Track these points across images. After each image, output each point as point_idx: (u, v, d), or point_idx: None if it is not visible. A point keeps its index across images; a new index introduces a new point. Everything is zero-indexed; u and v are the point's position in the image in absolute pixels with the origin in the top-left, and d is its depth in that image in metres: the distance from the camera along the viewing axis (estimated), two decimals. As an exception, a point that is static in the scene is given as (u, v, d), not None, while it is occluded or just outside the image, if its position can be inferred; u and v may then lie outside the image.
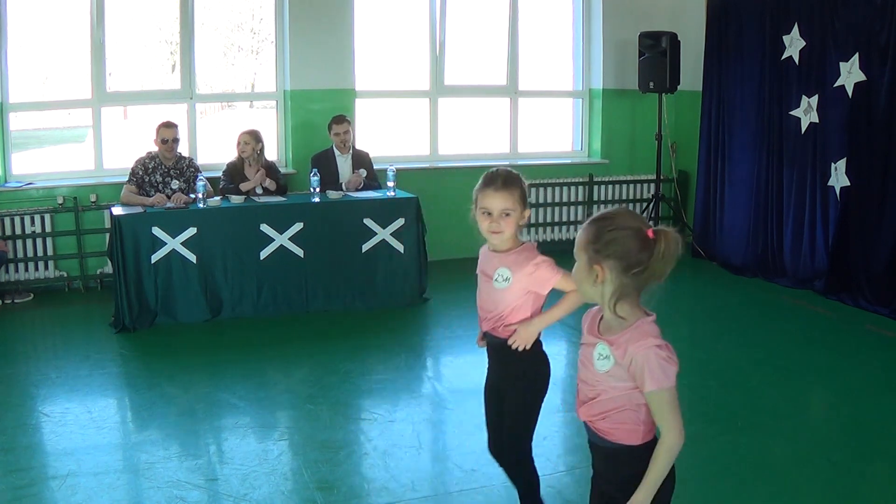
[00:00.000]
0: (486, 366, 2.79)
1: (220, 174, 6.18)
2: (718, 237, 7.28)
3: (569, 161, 7.94)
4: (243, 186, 6.00)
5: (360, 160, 6.45)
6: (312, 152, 6.49)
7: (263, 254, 5.69)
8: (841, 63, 5.91)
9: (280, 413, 4.20)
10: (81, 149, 6.98)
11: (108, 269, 5.96)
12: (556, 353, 4.77)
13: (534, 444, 2.80)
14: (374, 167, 6.53)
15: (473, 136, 8.26)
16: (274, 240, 5.72)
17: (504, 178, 2.57)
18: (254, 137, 6.07)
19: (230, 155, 6.21)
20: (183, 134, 6.71)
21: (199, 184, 5.65)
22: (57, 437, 3.82)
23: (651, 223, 1.97)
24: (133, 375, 4.72)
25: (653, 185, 7.70)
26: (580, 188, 7.75)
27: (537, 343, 2.65)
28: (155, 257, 5.45)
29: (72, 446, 3.72)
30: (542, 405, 2.72)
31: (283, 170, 6.66)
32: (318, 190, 5.95)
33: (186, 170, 5.97)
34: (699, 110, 7.44)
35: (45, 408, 4.17)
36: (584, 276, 1.97)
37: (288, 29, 6.82)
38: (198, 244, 5.55)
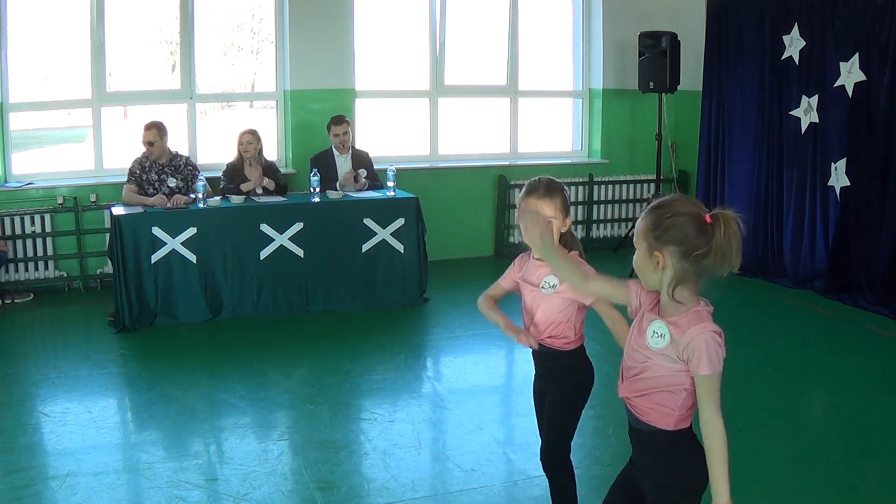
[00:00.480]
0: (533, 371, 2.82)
1: (218, 174, 6.18)
2: (718, 237, 7.27)
3: (569, 161, 7.94)
4: (244, 187, 6.00)
5: (360, 160, 6.44)
6: (312, 152, 6.49)
7: (263, 254, 5.69)
8: (841, 63, 5.91)
9: (280, 413, 4.20)
10: (81, 149, 6.98)
11: (108, 269, 5.96)
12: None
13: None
14: (374, 167, 6.53)
15: (473, 136, 8.26)
16: (274, 240, 5.72)
17: (546, 186, 2.59)
18: (255, 137, 6.09)
19: (230, 155, 6.21)
20: (183, 134, 6.72)
21: (199, 184, 5.65)
22: (57, 437, 3.82)
23: (709, 208, 2.01)
24: (133, 375, 4.72)
25: (653, 185, 7.70)
26: (580, 188, 7.75)
27: (580, 348, 2.69)
28: (155, 257, 5.45)
29: (72, 446, 3.72)
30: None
31: (283, 170, 6.66)
32: (318, 190, 5.95)
33: (184, 168, 5.96)
34: (699, 110, 7.44)
35: (45, 408, 4.17)
36: (646, 262, 2.02)
37: (288, 29, 6.82)
38: (198, 244, 5.55)
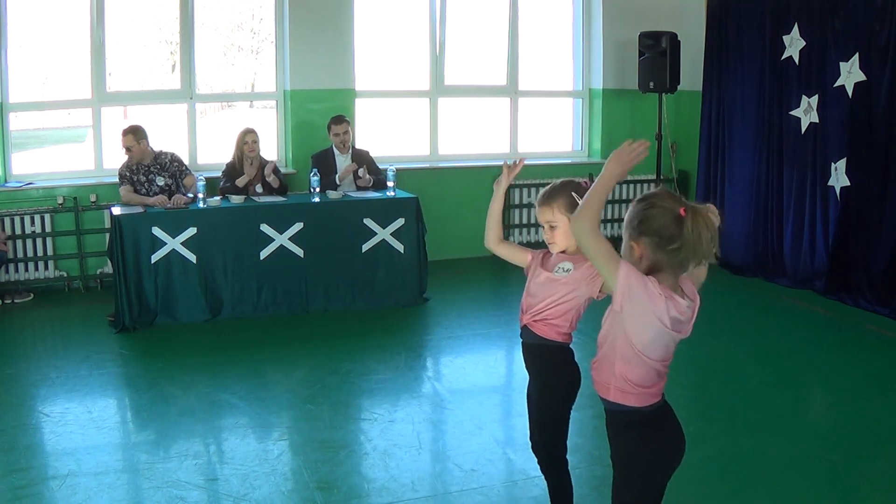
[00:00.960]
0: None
1: (218, 174, 6.19)
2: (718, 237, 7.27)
3: (569, 161, 7.94)
4: (240, 181, 6.01)
5: (361, 159, 6.45)
6: (312, 152, 6.50)
7: (263, 254, 5.69)
8: (841, 63, 5.91)
9: (280, 413, 4.20)
10: (81, 149, 6.99)
11: (108, 269, 5.96)
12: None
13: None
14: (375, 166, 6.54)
15: (473, 136, 8.26)
16: (274, 240, 5.72)
17: (546, 193, 2.66)
18: (257, 135, 6.10)
19: (229, 155, 6.21)
20: (183, 134, 6.72)
21: (199, 184, 5.65)
22: (57, 437, 3.82)
23: (688, 201, 2.06)
24: (133, 375, 4.72)
25: (653, 185, 7.70)
26: (580, 188, 7.74)
27: (566, 348, 2.70)
28: (155, 257, 5.45)
29: (72, 446, 3.72)
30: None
31: (283, 170, 6.66)
32: (318, 190, 5.96)
33: (170, 165, 5.95)
34: (699, 110, 7.44)
35: (45, 408, 4.17)
36: (628, 253, 2.09)
37: (288, 29, 6.82)
38: (198, 244, 5.55)
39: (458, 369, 4.93)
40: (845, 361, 4.91)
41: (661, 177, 7.52)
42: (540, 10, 7.84)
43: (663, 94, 7.28)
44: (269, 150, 6.71)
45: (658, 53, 7.19)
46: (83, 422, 3.99)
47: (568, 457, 2.78)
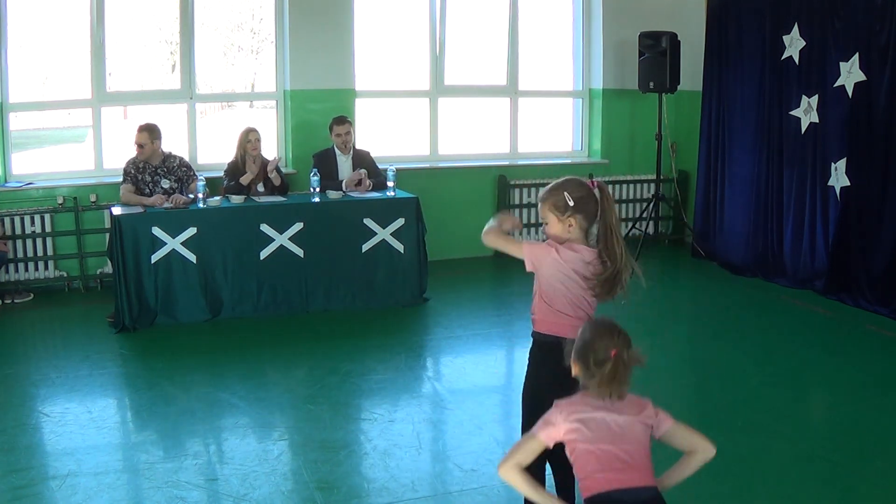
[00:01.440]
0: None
1: (218, 174, 6.19)
2: (718, 237, 7.28)
3: (569, 161, 7.94)
4: (244, 179, 6.01)
5: (361, 160, 6.45)
6: (312, 152, 6.50)
7: (263, 254, 5.70)
8: (841, 63, 5.91)
9: (280, 413, 4.20)
10: (81, 149, 6.98)
11: (108, 269, 5.96)
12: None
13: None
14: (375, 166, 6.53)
15: (473, 136, 8.26)
16: (274, 240, 5.72)
17: (544, 191, 2.74)
18: (259, 134, 6.11)
19: (230, 155, 6.21)
20: (183, 134, 6.72)
21: (199, 184, 5.65)
22: (57, 437, 3.82)
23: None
24: (133, 375, 4.72)
25: (653, 185, 7.70)
26: (580, 188, 7.73)
27: (553, 342, 2.68)
28: (155, 257, 5.45)
29: (72, 446, 3.72)
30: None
31: (283, 169, 6.65)
32: (318, 190, 5.96)
33: (177, 169, 5.96)
34: (699, 110, 7.44)
35: (45, 408, 4.17)
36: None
37: (288, 29, 6.82)
38: (198, 244, 5.55)
39: (458, 369, 4.93)
40: (845, 361, 4.91)
41: (661, 177, 7.52)
42: (540, 10, 7.84)
43: (663, 94, 7.28)
44: (270, 150, 6.71)
45: (658, 53, 7.19)
46: (83, 422, 3.99)
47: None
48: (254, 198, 5.97)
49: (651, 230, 7.39)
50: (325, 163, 6.30)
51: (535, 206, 7.44)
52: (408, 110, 7.85)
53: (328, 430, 3.91)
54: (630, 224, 7.73)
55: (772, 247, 6.73)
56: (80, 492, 3.28)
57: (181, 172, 5.96)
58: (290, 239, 5.75)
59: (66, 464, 3.53)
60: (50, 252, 6.29)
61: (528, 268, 2.74)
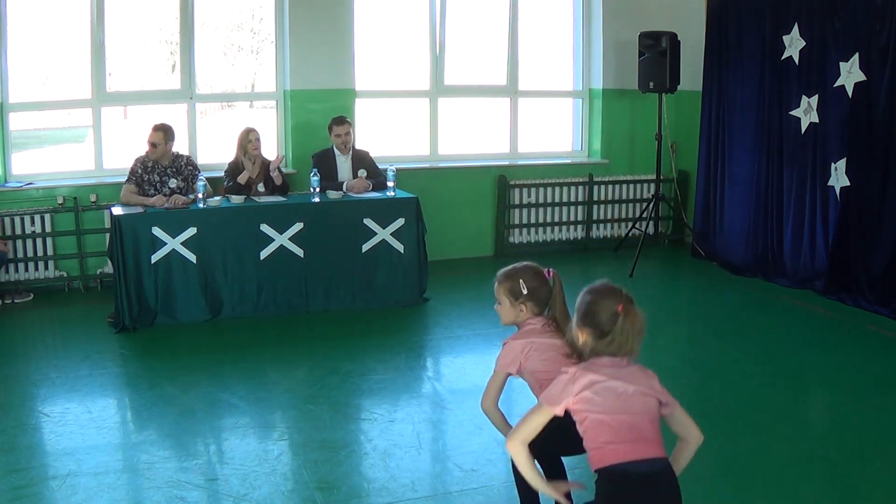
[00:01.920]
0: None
1: (218, 174, 6.19)
2: (718, 237, 7.28)
3: (569, 161, 7.95)
4: (241, 178, 6.01)
5: (361, 160, 6.45)
6: (312, 152, 6.50)
7: (263, 254, 5.70)
8: (841, 63, 5.91)
9: (280, 413, 4.20)
10: (81, 149, 6.98)
11: (108, 269, 5.96)
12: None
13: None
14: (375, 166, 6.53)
15: (473, 136, 8.26)
16: (274, 240, 5.72)
17: (501, 273, 2.82)
18: (258, 134, 6.12)
19: (230, 155, 6.21)
20: (183, 134, 6.72)
21: (199, 184, 5.65)
22: (57, 437, 3.82)
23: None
24: (133, 375, 4.72)
25: (653, 185, 7.69)
26: (580, 188, 7.76)
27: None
28: (155, 257, 5.45)
29: (72, 446, 3.72)
30: None
31: (283, 169, 6.65)
32: (318, 190, 5.96)
33: (184, 168, 5.97)
34: (699, 110, 7.44)
35: (45, 408, 4.17)
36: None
37: (288, 29, 6.82)
38: (198, 244, 5.55)
39: (458, 369, 4.93)
40: (845, 361, 4.91)
41: (661, 177, 7.52)
42: (540, 10, 7.84)
43: (663, 94, 7.27)
44: (270, 150, 6.71)
45: (658, 53, 7.19)
46: (83, 422, 3.99)
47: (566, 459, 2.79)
48: (254, 198, 5.97)
49: (651, 230, 7.39)
50: (325, 163, 6.30)
51: (536, 206, 7.54)
52: (408, 110, 7.85)
53: (328, 430, 3.91)
54: (630, 224, 7.73)
55: (772, 247, 6.73)
56: (80, 492, 3.28)
57: (188, 171, 5.97)
58: (290, 239, 5.75)
59: (66, 464, 3.53)
60: (50, 252, 6.29)
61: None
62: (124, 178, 5.91)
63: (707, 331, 5.68)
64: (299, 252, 5.77)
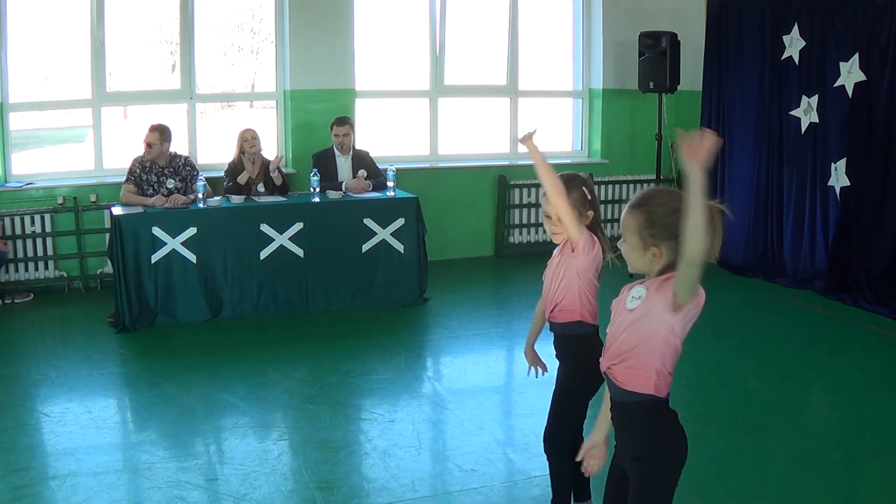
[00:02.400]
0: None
1: (218, 174, 6.20)
2: (718, 237, 7.27)
3: (569, 161, 7.92)
4: (241, 178, 6.01)
5: (361, 160, 6.44)
6: (312, 152, 6.50)
7: (263, 254, 5.70)
8: (841, 63, 5.91)
9: (280, 413, 4.20)
10: (81, 149, 6.98)
11: (108, 269, 5.96)
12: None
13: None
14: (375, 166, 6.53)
15: (473, 136, 8.26)
16: (274, 240, 5.72)
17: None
18: (256, 133, 6.12)
19: (230, 155, 6.21)
20: (183, 134, 6.72)
21: (199, 184, 5.65)
22: (57, 437, 3.82)
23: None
24: (133, 375, 4.72)
25: (653, 185, 7.69)
26: (580, 188, 7.74)
27: (592, 334, 2.79)
28: (155, 257, 5.45)
29: (72, 446, 3.72)
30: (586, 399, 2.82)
31: (283, 169, 6.65)
32: (318, 190, 5.96)
33: (182, 168, 5.97)
34: (699, 110, 7.44)
35: (45, 408, 4.17)
36: (639, 255, 2.12)
37: (288, 29, 6.82)
38: (198, 244, 5.55)
39: (458, 369, 4.93)
40: (845, 361, 4.91)
41: (661, 177, 7.52)
42: (540, 10, 7.84)
43: (663, 94, 7.28)
44: (270, 150, 6.71)
45: (658, 53, 7.19)
46: (83, 422, 3.99)
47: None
48: (254, 198, 5.97)
49: (651, 230, 7.38)
50: (324, 163, 6.30)
51: (536, 206, 7.52)
52: (408, 110, 7.85)
53: (328, 430, 3.91)
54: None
55: (772, 247, 6.73)
56: (80, 492, 3.28)
57: (185, 172, 5.97)
58: (290, 239, 5.74)
59: (66, 464, 3.53)
60: (50, 252, 6.28)
61: (580, 251, 2.89)
62: (124, 178, 5.91)
63: (707, 331, 5.67)
64: (299, 252, 5.77)
